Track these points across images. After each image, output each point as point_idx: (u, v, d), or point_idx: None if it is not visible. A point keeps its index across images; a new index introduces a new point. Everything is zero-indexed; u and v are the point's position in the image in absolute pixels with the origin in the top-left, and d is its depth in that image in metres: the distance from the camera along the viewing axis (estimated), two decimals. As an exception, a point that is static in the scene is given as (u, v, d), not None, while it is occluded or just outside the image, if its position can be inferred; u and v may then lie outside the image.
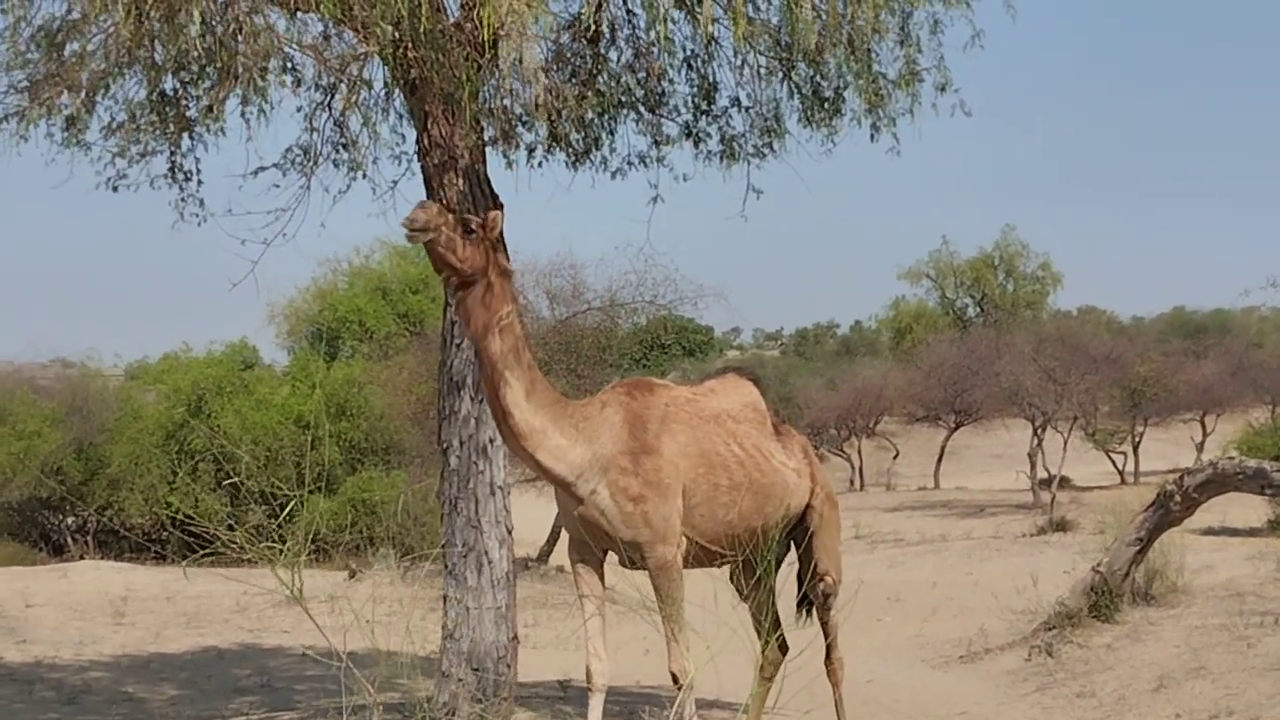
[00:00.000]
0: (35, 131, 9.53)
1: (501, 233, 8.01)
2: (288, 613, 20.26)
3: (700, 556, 8.34)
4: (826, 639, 9.38)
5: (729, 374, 9.22)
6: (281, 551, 6.53)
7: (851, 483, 51.17)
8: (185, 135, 10.40)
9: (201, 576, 23.44)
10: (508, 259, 7.82)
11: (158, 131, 10.19)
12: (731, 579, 9.27)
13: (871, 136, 10.53)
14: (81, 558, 30.23)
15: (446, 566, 10.51)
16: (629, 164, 11.35)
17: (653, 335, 36.54)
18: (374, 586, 18.24)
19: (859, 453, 52.29)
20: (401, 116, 11.02)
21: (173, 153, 10.57)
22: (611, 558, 8.36)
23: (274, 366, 39.56)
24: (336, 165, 11.05)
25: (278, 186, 10.87)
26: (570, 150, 10.91)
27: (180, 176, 10.73)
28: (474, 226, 7.45)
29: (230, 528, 6.76)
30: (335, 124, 10.88)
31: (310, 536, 6.96)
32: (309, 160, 10.93)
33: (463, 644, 10.28)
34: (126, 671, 15.37)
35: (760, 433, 8.76)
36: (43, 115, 9.29)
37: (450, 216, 7.41)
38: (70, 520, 34.17)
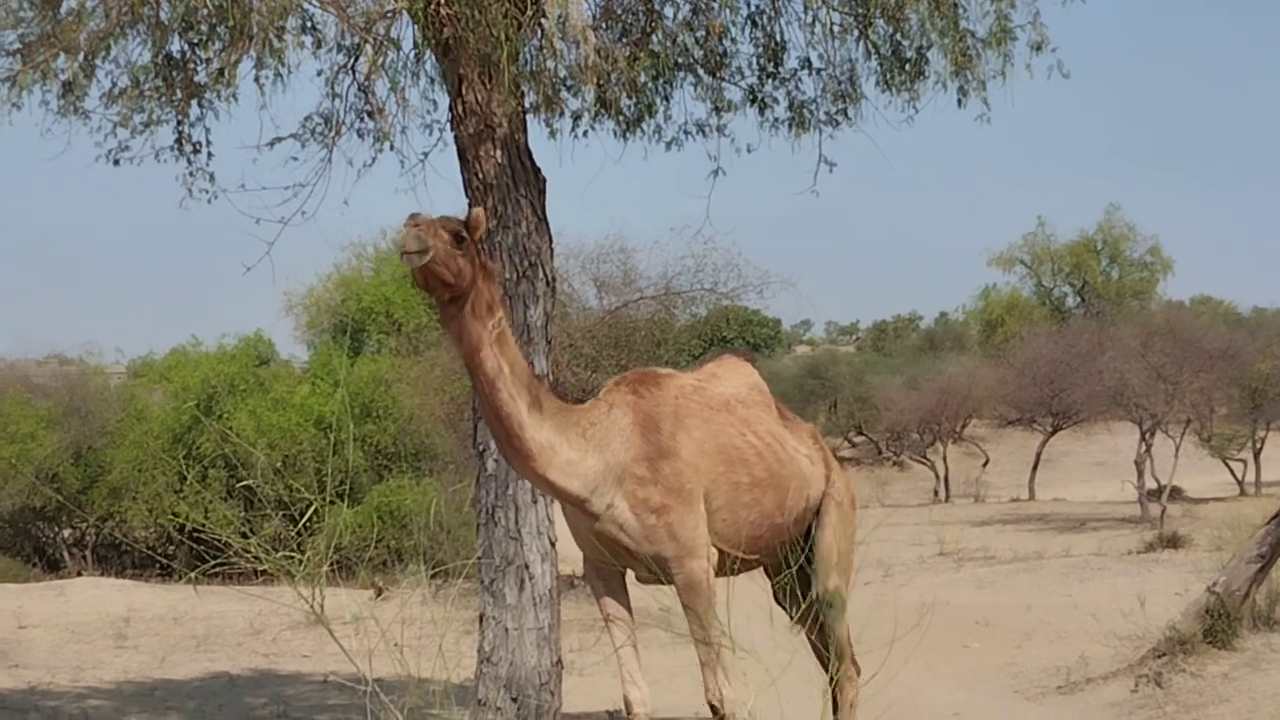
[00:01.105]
0: (29, 98, 9.62)
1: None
2: (307, 635, 20.34)
3: (724, 565, 8.19)
4: (835, 654, 8.91)
5: (725, 355, 9.07)
6: (301, 564, 6.54)
7: (936, 493, 50.95)
8: (194, 102, 10.46)
9: (212, 595, 23.57)
10: (490, 255, 7.69)
11: (163, 98, 10.25)
12: (776, 600, 9.03)
13: (958, 102, 10.49)
14: (79, 574, 30.45)
15: (483, 583, 10.54)
16: (686, 133, 11.35)
17: (713, 328, 36.42)
18: (402, 606, 18.25)
19: (944, 460, 52.03)
20: (433, 81, 11.05)
21: (180, 122, 10.62)
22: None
23: (292, 362, 39.75)
24: (361, 135, 11.11)
25: (296, 159, 10.95)
26: (620, 118, 10.91)
27: (188, 148, 10.80)
28: (464, 235, 7.22)
29: (244, 535, 6.78)
30: (360, 89, 10.92)
31: (333, 548, 6.97)
32: (331, 130, 10.97)
33: (501, 669, 10.30)
34: (129, 699, 15.45)
35: (769, 417, 8.65)
36: (37, 80, 9.36)
37: (441, 229, 7.13)
38: (67, 533, 34.45)
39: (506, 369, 7.41)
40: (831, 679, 8.67)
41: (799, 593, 8.67)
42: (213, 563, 6.79)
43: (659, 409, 7.97)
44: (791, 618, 8.74)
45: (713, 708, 7.84)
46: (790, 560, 8.40)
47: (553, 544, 10.50)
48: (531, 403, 7.53)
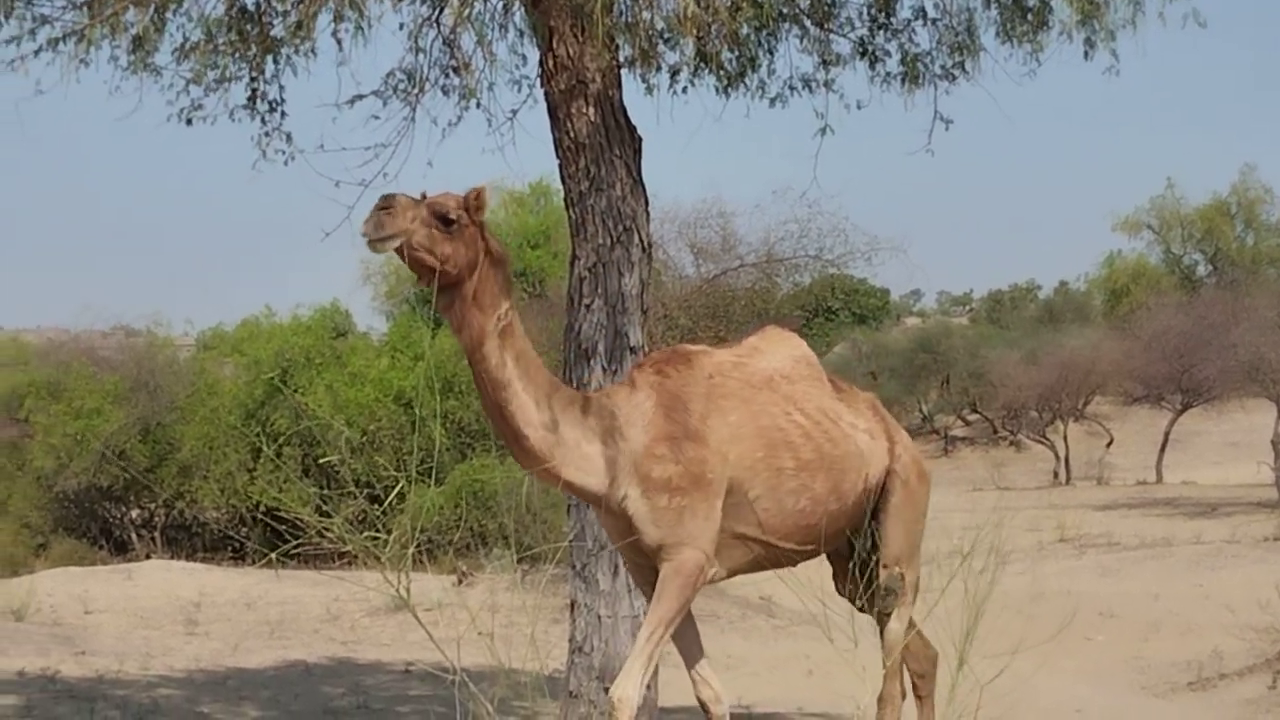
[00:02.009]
0: (97, 54, 9.68)
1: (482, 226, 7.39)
2: (386, 622, 20.52)
3: (770, 558, 7.98)
4: (885, 661, 8.55)
5: (768, 326, 8.70)
6: (386, 546, 6.57)
7: (1055, 475, 50.62)
8: (269, 58, 10.51)
9: (287, 580, 23.82)
10: (499, 243, 7.44)
11: (238, 53, 10.30)
12: (839, 590, 8.75)
13: (1085, 54, 10.38)
14: (148, 556, 30.85)
15: (574, 568, 10.56)
16: (791, 89, 11.31)
17: (817, 298, 36.46)
18: (492, 593, 18.36)
19: (1065, 439, 51.66)
20: (522, 34, 11.06)
21: (255, 78, 10.67)
22: None
23: (370, 334, 40.02)
24: (446, 92, 11.12)
25: (377, 118, 10.98)
26: (722, 73, 10.88)
27: (263, 106, 10.85)
28: (453, 216, 6.98)
29: (326, 514, 6.81)
30: (444, 43, 10.93)
31: (418, 529, 7.00)
32: (414, 87, 10.99)
33: (594, 659, 10.32)
34: (201, 689, 15.61)
35: (820, 392, 8.30)
36: (106, 35, 9.41)
37: (422, 210, 6.94)
38: (135, 513, 34.88)
39: (511, 363, 7.22)
40: (890, 666, 8.49)
41: (859, 581, 8.53)
42: (293, 544, 6.83)
43: (688, 389, 7.68)
44: (861, 609, 8.63)
45: (611, 703, 7.35)
46: (855, 546, 8.28)
47: (649, 526, 10.47)
48: (540, 398, 7.31)
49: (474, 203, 7.05)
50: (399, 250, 6.92)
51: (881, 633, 8.48)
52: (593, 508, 7.80)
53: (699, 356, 7.91)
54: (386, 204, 6.90)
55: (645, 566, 7.65)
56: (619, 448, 7.42)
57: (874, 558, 8.34)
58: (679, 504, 7.37)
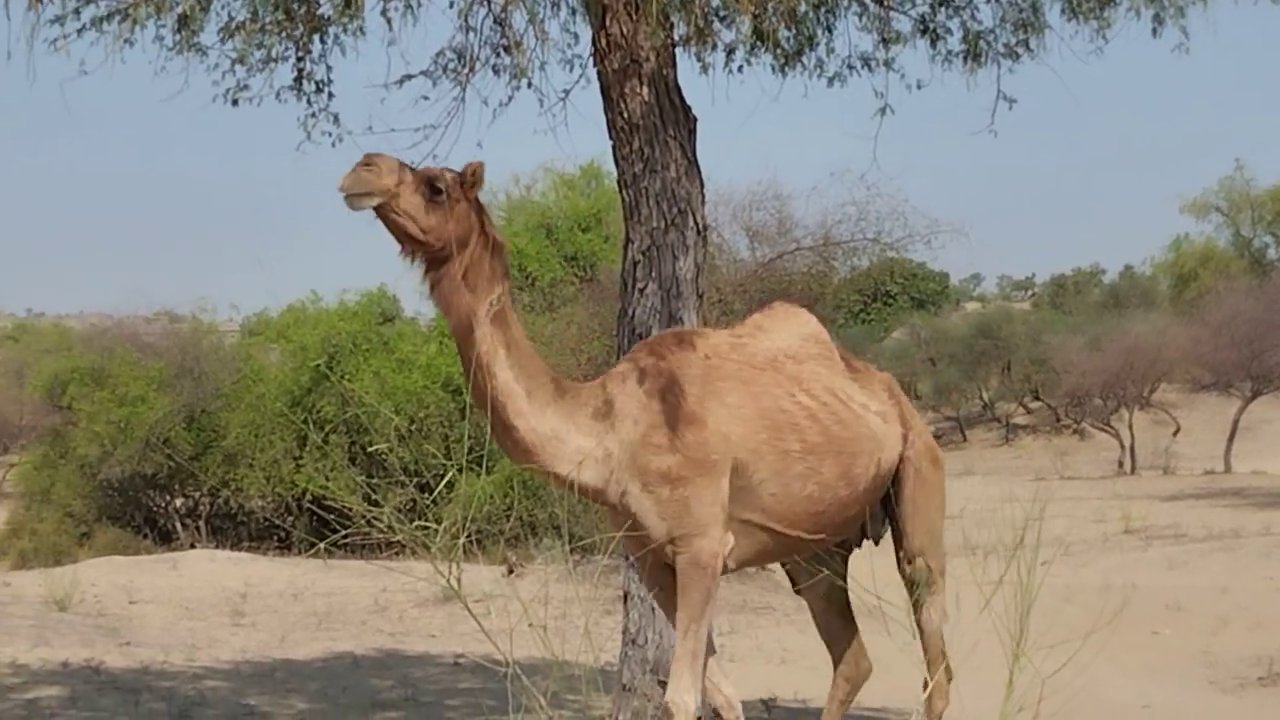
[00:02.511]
0: (142, 34, 9.70)
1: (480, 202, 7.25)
2: (435, 613, 20.57)
3: (778, 548, 7.80)
4: (926, 653, 8.40)
5: (775, 304, 8.41)
6: (437, 536, 6.57)
7: (1120, 464, 50.44)
8: (316, 37, 10.53)
9: (334, 570, 23.93)
10: (496, 229, 7.26)
11: (284, 32, 10.32)
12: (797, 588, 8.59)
13: (1153, 31, 10.32)
14: (193, 546, 31.01)
15: (627, 559, 10.56)
16: (850, 68, 11.28)
17: (875, 282, 36.33)
18: (539, 583, 18.40)
19: (1130, 428, 51.46)
20: (575, 11, 11.05)
21: (301, 58, 10.70)
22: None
23: (418, 320, 40.03)
24: (496, 72, 11.13)
25: (426, 99, 11.00)
26: (779, 51, 10.85)
27: (310, 87, 10.88)
28: (441, 186, 6.82)
29: (374, 503, 6.82)
30: (495, 21, 10.94)
31: (469, 518, 7.01)
32: (464, 66, 11.01)
33: (648, 651, 10.33)
34: (248, 681, 15.69)
35: (830, 371, 8.05)
36: (151, 14, 9.44)
37: (410, 175, 6.79)
38: (180, 502, 35.07)
39: (503, 351, 7.02)
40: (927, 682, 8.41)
41: (811, 561, 8.43)
42: (343, 533, 6.84)
43: (684, 370, 7.43)
44: (797, 591, 8.52)
45: (669, 710, 7.26)
46: (867, 535, 8.13)
47: (704, 517, 10.48)
48: (534, 388, 7.12)
49: (470, 178, 6.93)
50: (380, 214, 6.77)
51: (918, 625, 8.30)
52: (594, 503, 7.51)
53: (695, 338, 7.74)
54: (370, 160, 6.74)
55: (655, 565, 7.48)
56: (616, 439, 7.23)
57: (899, 553, 8.24)
58: (682, 495, 7.19)
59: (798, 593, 8.50)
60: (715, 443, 7.26)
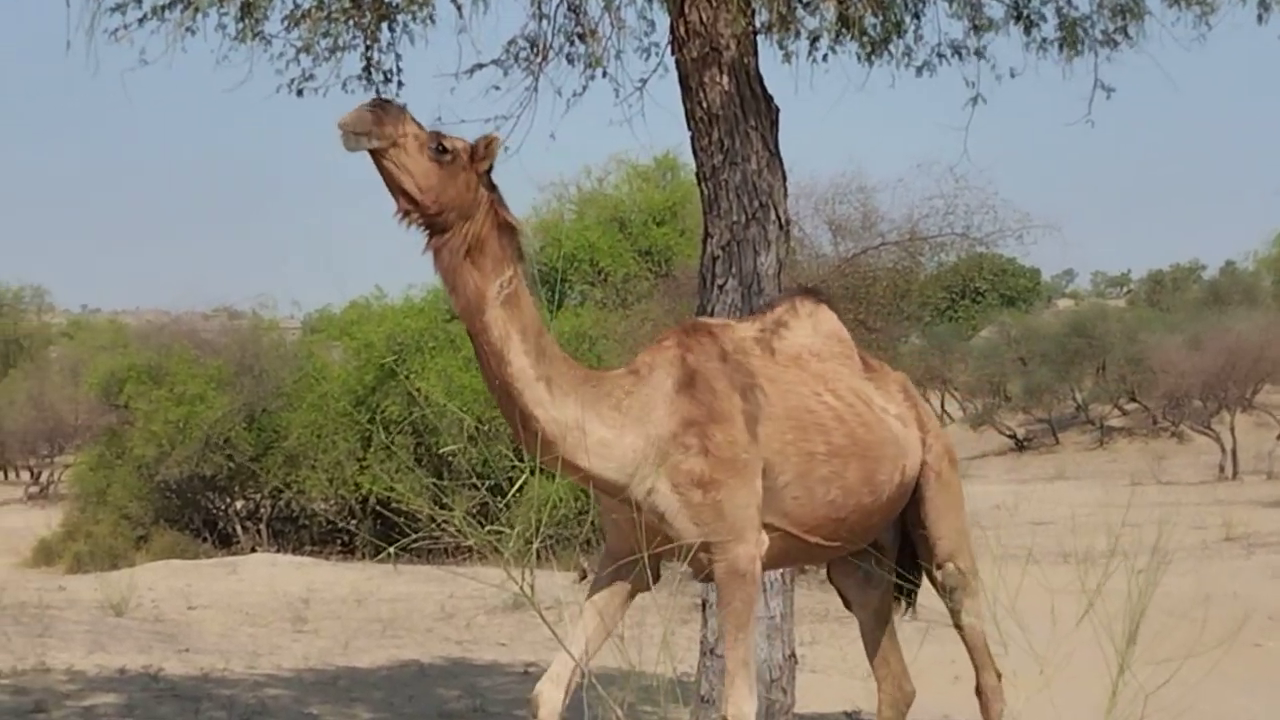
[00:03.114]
0: (204, 22, 9.79)
1: (492, 178, 7.06)
2: (504, 621, 20.66)
3: (796, 552, 7.71)
4: (972, 657, 8.37)
5: (795, 297, 8.23)
6: (510, 541, 6.61)
7: (1222, 469, 50.03)
8: (385, 25, 10.59)
9: (399, 576, 24.05)
10: (511, 214, 7.10)
11: (352, 21, 10.37)
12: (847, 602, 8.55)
13: (1259, 18, 10.29)
14: (253, 550, 31.24)
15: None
16: (940, 56, 11.26)
17: (964, 278, 36.15)
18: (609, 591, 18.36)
19: (1232, 431, 51.03)
20: (651, -3, 11.08)
21: (369, 47, 10.75)
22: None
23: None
24: (570, 61, 11.15)
25: (498, 89, 11.03)
26: (865, 39, 10.85)
27: (378, 77, 10.92)
28: (449, 147, 6.70)
29: (443, 506, 6.85)
30: (569, 8, 10.97)
31: (542, 522, 7.04)
32: (537, 55, 11.04)
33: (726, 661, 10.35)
34: (310, 689, 15.79)
35: (852, 371, 7.98)
36: (213, 1, 9.52)
37: (418, 129, 6.66)
38: (240, 504, 35.28)
39: (516, 336, 6.87)
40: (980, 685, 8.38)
41: (863, 575, 8.41)
42: (411, 538, 6.88)
43: (710, 364, 7.31)
44: (849, 608, 8.44)
45: None
46: (888, 543, 8.12)
47: (785, 522, 10.50)
48: (551, 375, 6.97)
49: (481, 149, 6.79)
50: (376, 160, 6.65)
51: (959, 630, 8.29)
52: (604, 500, 7.37)
53: (720, 330, 7.63)
54: (379, 103, 6.65)
55: (629, 564, 7.34)
56: (643, 433, 7.10)
57: (927, 553, 8.17)
58: (714, 498, 7.06)
59: (849, 609, 8.47)
60: (744, 441, 7.17)
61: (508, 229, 6.92)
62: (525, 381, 6.88)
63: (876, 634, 8.38)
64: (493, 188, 6.89)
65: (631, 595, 7.46)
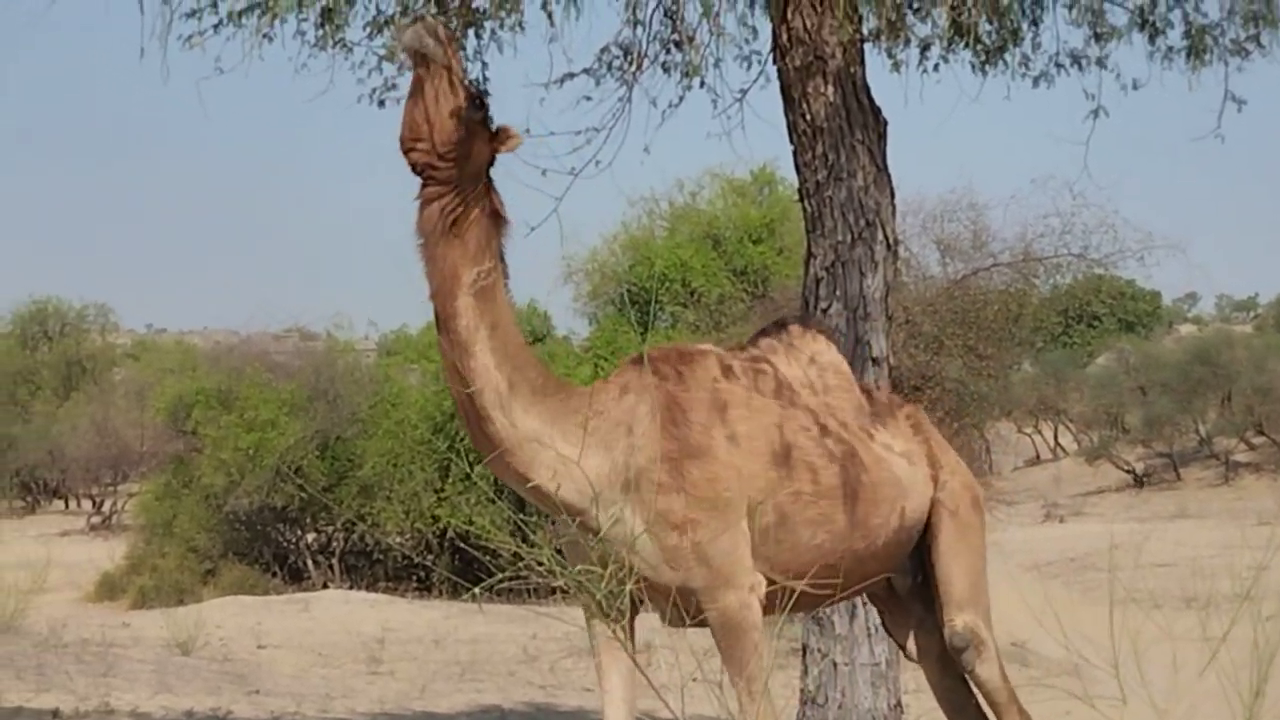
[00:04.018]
0: (282, 28, 9.85)
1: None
2: (590, 664, 20.54)
3: (777, 601, 7.33)
4: (996, 713, 8.14)
5: (789, 326, 8.06)
6: (603, 580, 6.58)
7: (1361, 514, 49.64)
8: (472, 32, 10.62)
9: (478, 615, 24.02)
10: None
11: (437, 28, 10.40)
12: (888, 631, 8.54)
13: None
14: (325, 586, 31.31)
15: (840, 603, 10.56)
16: (1059, 66, 11.20)
17: (1080, 302, 35.90)
18: (703, 634, 18.33)
19: (1370, 471, 50.67)
20: (753, 3, 11.05)
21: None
22: None
23: (571, 338, 40.23)
24: (666, 70, 11.16)
25: (589, 99, 11.05)
26: (979, 47, 10.81)
27: (465, 86, 10.95)
28: (485, 105, 6.70)
29: (528, 542, 6.82)
30: (665, 15, 10.98)
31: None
32: (631, 64, 11.04)
33: (829, 711, 10.31)
34: (386, 734, 15.81)
35: (850, 406, 7.82)
36: (293, 7, 9.54)
37: (462, 76, 6.67)
38: (311, 537, 35.38)
39: (485, 330, 6.77)
40: None
41: (917, 623, 8.29)
42: (497, 578, 6.84)
43: (690, 394, 7.13)
44: (910, 657, 8.41)
45: None
46: (897, 587, 7.99)
47: (893, 562, 10.44)
48: (515, 380, 6.84)
49: (504, 134, 6.78)
50: (420, 77, 6.60)
51: (976, 682, 8.05)
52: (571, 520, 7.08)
53: (703, 358, 7.42)
54: (440, 32, 6.62)
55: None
56: (608, 458, 6.94)
57: (940, 610, 7.95)
58: (693, 540, 6.87)
59: (911, 660, 8.36)
60: (727, 478, 6.98)
61: (497, 220, 6.88)
62: (487, 379, 6.78)
63: (945, 681, 8.21)
64: (489, 180, 6.87)
65: (633, 621, 7.18)
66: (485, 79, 10.98)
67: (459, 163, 6.68)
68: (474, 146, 6.71)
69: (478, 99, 6.69)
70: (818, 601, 7.63)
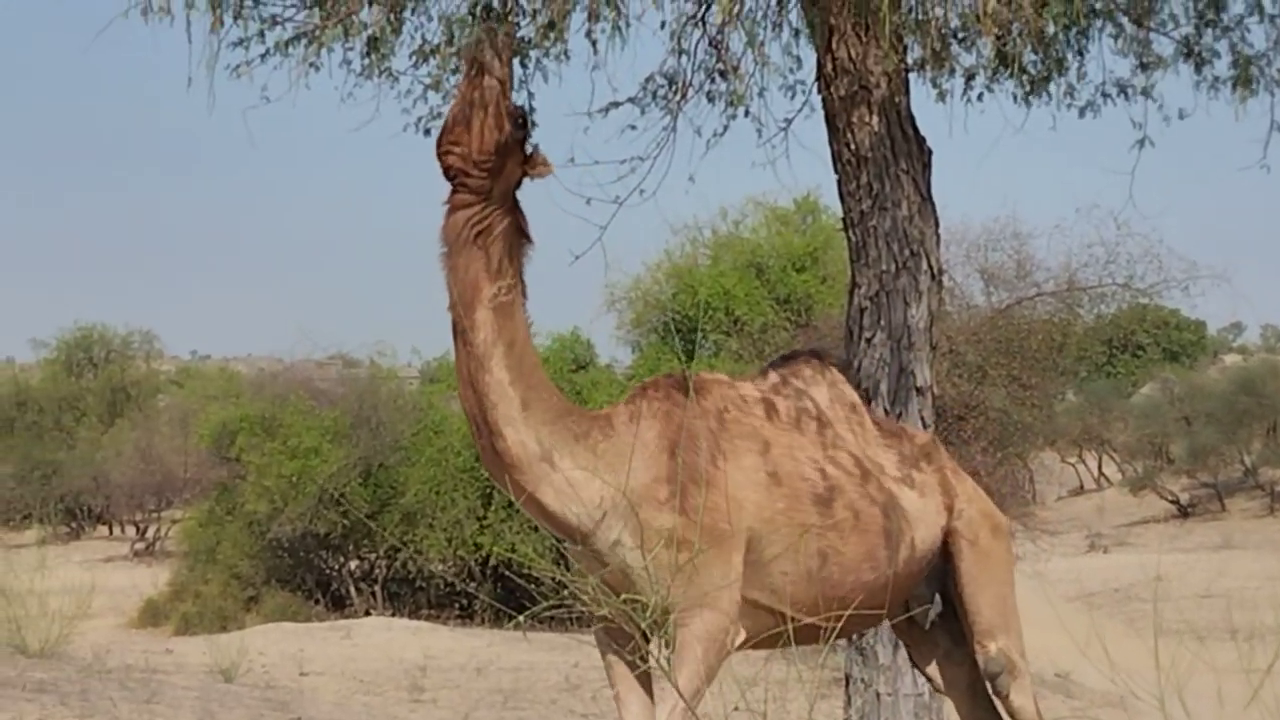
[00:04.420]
0: (329, 58, 9.89)
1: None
2: (633, 693, 20.57)
3: (784, 634, 7.24)
4: None
5: (801, 358, 8.09)
6: (648, 610, 6.58)
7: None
8: (516, 61, 10.61)
9: (521, 643, 24.04)
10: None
11: (482, 56, 10.43)
12: (914, 664, 8.40)
13: None
14: (368, 613, 31.32)
15: (849, 638, 10.52)
16: (1104, 95, 11.17)
17: (1124, 331, 35.78)
18: (753, 663, 18.32)
19: None
20: (798, 33, 11.05)
21: (500, 84, 10.80)
22: None
23: (613, 366, 40.16)
24: (711, 99, 11.15)
25: (634, 128, 11.04)
26: (1024, 77, 10.78)
27: (509, 114, 10.97)
28: (526, 124, 6.80)
29: (572, 571, 6.83)
30: (710, 44, 10.98)
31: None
32: (675, 93, 11.06)
33: (872, 742, 10.29)
34: (428, 762, 15.82)
35: (860, 438, 7.82)
36: (339, 36, 9.59)
37: (510, 87, 6.80)
38: (354, 564, 35.42)
39: (503, 346, 6.82)
40: None
41: (943, 654, 8.24)
42: (541, 607, 6.85)
43: (697, 422, 7.14)
44: (938, 689, 8.37)
45: None
46: (919, 620, 7.91)
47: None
48: (529, 398, 6.89)
49: (535, 160, 6.86)
50: (471, 82, 6.74)
51: (1012, 716, 8.02)
52: (575, 549, 7.09)
53: (712, 386, 7.45)
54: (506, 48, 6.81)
55: (622, 628, 7.02)
56: (615, 479, 6.93)
57: (970, 639, 7.94)
58: (684, 560, 6.81)
59: (941, 692, 8.36)
60: (727, 508, 6.99)
61: (520, 238, 6.95)
62: (501, 394, 6.83)
63: (975, 713, 8.19)
64: (516, 200, 6.94)
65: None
66: (531, 108, 11.01)
67: (492, 175, 6.76)
68: (508, 164, 6.80)
69: (521, 118, 6.78)
70: (822, 639, 7.43)
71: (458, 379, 7.01)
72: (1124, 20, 10.75)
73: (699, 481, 6.94)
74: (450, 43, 10.09)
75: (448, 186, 6.81)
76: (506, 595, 27.29)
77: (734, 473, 7.07)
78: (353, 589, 34.46)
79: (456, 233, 6.78)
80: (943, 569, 8.03)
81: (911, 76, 10.52)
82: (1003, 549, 8.23)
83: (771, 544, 7.11)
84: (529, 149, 6.84)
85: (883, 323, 10.37)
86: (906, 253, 10.43)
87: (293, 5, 9.86)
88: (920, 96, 10.66)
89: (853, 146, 10.42)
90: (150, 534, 51.33)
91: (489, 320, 6.80)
